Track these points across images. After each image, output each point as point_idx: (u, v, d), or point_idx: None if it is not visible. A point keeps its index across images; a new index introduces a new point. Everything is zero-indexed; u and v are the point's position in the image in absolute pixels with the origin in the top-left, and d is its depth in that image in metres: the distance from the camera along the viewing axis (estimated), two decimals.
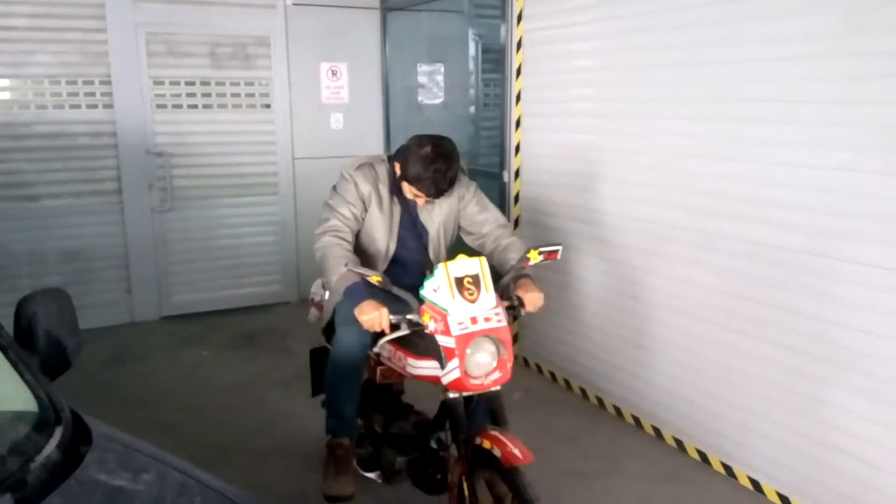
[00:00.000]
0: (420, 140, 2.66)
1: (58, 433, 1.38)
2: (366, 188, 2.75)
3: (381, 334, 2.45)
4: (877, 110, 2.54)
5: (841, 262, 2.70)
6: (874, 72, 2.53)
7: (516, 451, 2.20)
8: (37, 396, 1.45)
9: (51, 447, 1.33)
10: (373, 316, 2.38)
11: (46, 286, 1.79)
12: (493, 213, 2.91)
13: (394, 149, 5.86)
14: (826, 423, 2.83)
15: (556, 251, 2.56)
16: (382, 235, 2.81)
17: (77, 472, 1.31)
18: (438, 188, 2.65)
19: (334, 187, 2.82)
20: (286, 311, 5.67)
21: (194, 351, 4.88)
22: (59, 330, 1.67)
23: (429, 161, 2.59)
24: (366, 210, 2.78)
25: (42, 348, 1.62)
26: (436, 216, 2.86)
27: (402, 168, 2.69)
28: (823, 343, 2.80)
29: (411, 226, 2.85)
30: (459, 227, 2.95)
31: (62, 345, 1.67)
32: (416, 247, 2.87)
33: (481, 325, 2.30)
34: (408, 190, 2.73)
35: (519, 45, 4.30)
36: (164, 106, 5.25)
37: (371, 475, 2.85)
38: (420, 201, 2.76)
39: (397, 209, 2.81)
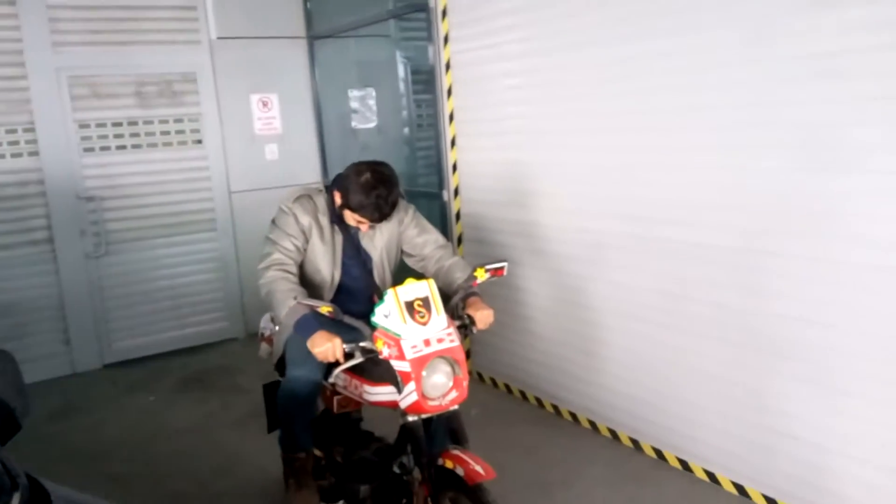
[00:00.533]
0: (358, 167, 2.69)
1: (16, 499, 1.35)
2: (306, 220, 2.77)
3: (336, 364, 2.45)
4: (791, 111, 2.68)
5: (769, 256, 2.83)
6: (785, 75, 2.68)
7: (479, 468, 2.23)
8: None
9: None
10: (326, 347, 2.38)
11: None
12: (433, 235, 2.95)
13: (331, 175, 5.89)
14: (771, 411, 2.95)
15: (501, 268, 2.64)
16: (326, 265, 2.82)
17: None
18: (381, 213, 2.69)
19: (273, 221, 2.81)
20: (234, 348, 5.58)
21: (141, 397, 4.75)
22: (6, 392, 1.62)
23: (369, 187, 2.62)
24: (307, 242, 2.79)
25: None
26: (377, 241, 2.89)
27: (342, 197, 2.71)
28: (760, 335, 2.93)
29: (354, 253, 2.87)
30: (401, 251, 2.99)
31: (10, 407, 1.62)
32: (360, 274, 2.89)
33: (435, 347, 2.33)
34: (350, 217, 2.75)
35: (448, 66, 4.38)
36: (92, 149, 5.14)
37: None
38: (363, 227, 2.78)
39: (339, 238, 2.83)
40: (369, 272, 2.90)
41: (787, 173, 2.73)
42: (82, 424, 4.35)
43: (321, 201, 2.83)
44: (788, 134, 2.71)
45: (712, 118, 2.95)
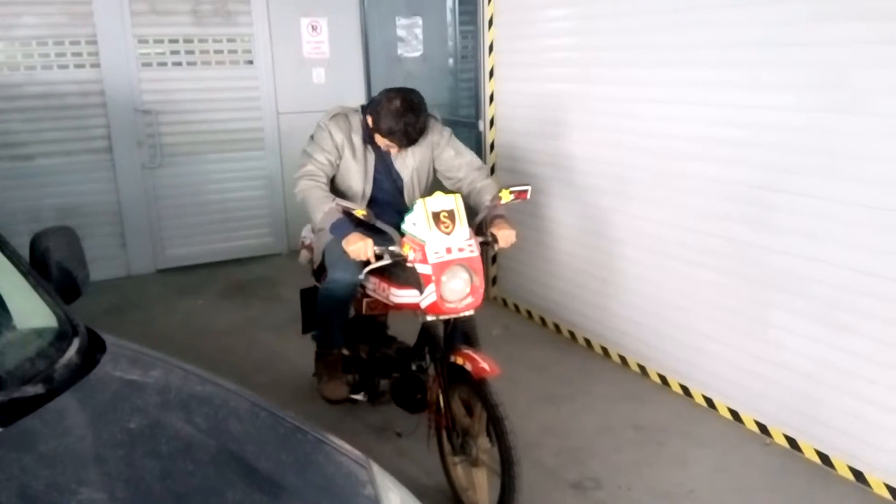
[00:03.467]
0: (389, 94, 2.86)
1: (76, 342, 1.63)
2: (339, 137, 2.96)
3: (367, 264, 2.69)
4: (811, 52, 2.75)
5: (782, 194, 2.94)
6: (806, 16, 2.75)
7: (485, 365, 2.45)
8: (55, 314, 1.69)
9: (71, 352, 1.58)
10: (359, 245, 2.62)
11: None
12: (469, 157, 3.10)
13: None
14: (770, 343, 3.10)
15: (525, 191, 2.79)
16: (358, 181, 3.02)
17: (95, 370, 1.57)
18: (409, 139, 2.87)
19: (312, 136, 3.03)
20: (276, 262, 5.91)
21: (190, 300, 5.12)
22: (70, 262, 1.90)
23: (399, 115, 2.79)
24: (340, 158, 2.98)
25: (55, 278, 1.85)
26: (409, 162, 3.06)
27: (374, 121, 2.89)
28: (768, 270, 3.05)
29: (386, 172, 3.05)
30: (436, 172, 3.15)
31: (72, 275, 1.90)
32: (392, 191, 3.09)
33: (455, 255, 2.54)
34: (380, 141, 2.93)
35: None
36: (150, 64, 5.39)
37: (358, 396, 3.14)
38: (393, 150, 2.97)
39: (371, 156, 3.02)
40: (400, 191, 3.09)
41: (801, 113, 2.82)
42: (136, 319, 4.74)
43: (356, 121, 3.00)
44: (804, 74, 2.78)
45: (735, 56, 3.03)
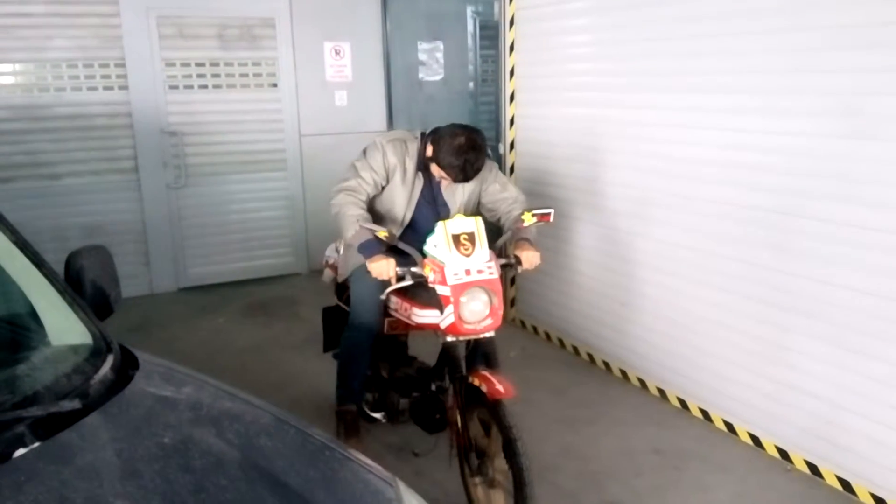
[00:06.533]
0: (454, 130, 2.89)
1: (110, 359, 1.67)
2: (393, 160, 2.99)
3: (389, 284, 2.73)
4: (830, 79, 2.78)
5: (801, 219, 2.95)
6: (826, 44, 2.78)
7: (500, 387, 2.47)
8: (90, 331, 1.73)
9: (105, 369, 1.62)
10: (381, 265, 2.68)
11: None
12: (513, 192, 3.16)
13: (396, 124, 6.08)
14: (790, 367, 3.10)
15: (548, 214, 2.82)
16: (401, 204, 3.05)
17: (129, 386, 1.61)
18: (465, 176, 2.89)
19: (364, 151, 3.05)
20: (297, 282, 5.96)
21: (211, 318, 5.18)
22: (103, 280, 1.95)
23: (461, 152, 2.82)
24: (388, 180, 3.02)
25: (89, 295, 1.90)
26: (458, 196, 3.09)
27: (434, 152, 2.90)
28: (787, 294, 3.06)
29: (432, 200, 3.08)
30: (480, 204, 3.18)
31: (105, 293, 1.95)
32: (434, 219, 3.05)
33: (475, 277, 2.58)
34: (436, 171, 2.95)
35: (512, 22, 4.52)
36: (177, 87, 5.51)
37: (377, 415, 3.17)
38: (444, 183, 3.01)
39: (419, 183, 3.05)
40: (443, 220, 3.12)
41: (818, 138, 2.84)
42: (158, 337, 4.80)
43: (413, 148, 3.04)
44: (823, 101, 2.81)
45: (754, 82, 3.06)
